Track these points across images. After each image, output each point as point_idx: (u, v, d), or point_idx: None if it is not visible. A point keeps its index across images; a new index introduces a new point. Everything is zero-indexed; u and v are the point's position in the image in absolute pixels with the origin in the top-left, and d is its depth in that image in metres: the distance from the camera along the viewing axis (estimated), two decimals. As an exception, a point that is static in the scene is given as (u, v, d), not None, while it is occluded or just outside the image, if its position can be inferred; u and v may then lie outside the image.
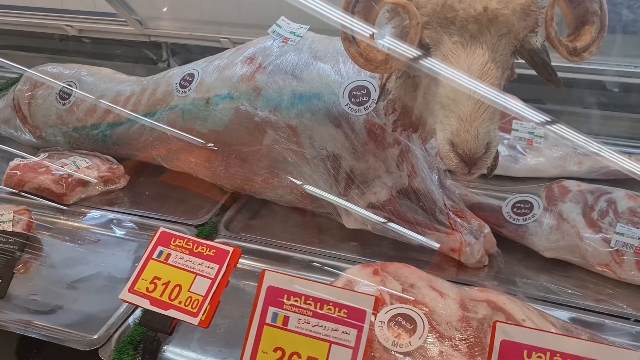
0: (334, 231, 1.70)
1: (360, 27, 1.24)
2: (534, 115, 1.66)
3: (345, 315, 1.02)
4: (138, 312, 1.38)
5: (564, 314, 1.38)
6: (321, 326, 1.02)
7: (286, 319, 1.04)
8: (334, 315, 1.02)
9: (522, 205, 1.60)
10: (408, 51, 1.17)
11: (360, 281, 1.30)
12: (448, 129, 1.14)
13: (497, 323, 0.96)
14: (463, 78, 1.11)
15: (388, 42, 1.23)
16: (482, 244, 1.56)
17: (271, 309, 1.04)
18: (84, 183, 1.85)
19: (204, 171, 1.87)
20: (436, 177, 1.65)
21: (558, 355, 0.90)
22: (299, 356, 1.00)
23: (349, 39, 1.24)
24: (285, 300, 1.04)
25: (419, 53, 1.16)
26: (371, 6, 1.25)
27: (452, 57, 1.12)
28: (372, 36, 1.22)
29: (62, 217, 1.80)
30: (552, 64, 1.22)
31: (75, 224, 1.78)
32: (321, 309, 1.03)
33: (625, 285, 1.48)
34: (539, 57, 1.23)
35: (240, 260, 1.58)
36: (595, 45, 1.15)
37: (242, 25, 2.41)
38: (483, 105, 1.10)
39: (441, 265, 1.57)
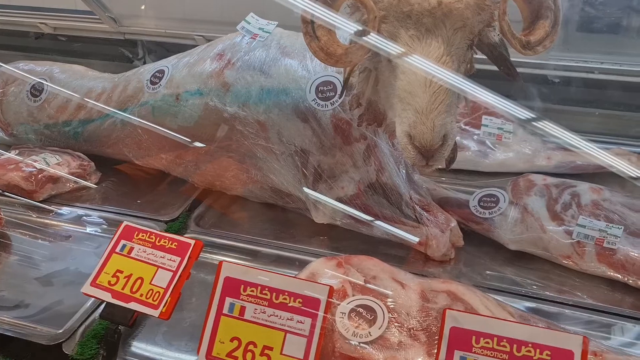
0: (304, 226, 1.71)
1: (324, 17, 1.25)
2: (501, 105, 1.68)
3: (300, 305, 1.04)
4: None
5: (525, 305, 1.40)
6: (277, 315, 1.03)
7: (243, 309, 1.05)
8: (289, 305, 1.03)
9: (488, 199, 1.63)
10: (366, 45, 1.18)
11: (324, 273, 1.31)
12: (405, 121, 1.15)
13: (447, 310, 0.97)
14: (419, 71, 1.12)
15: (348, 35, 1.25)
16: (448, 238, 1.57)
17: (228, 300, 1.05)
18: (54, 179, 1.85)
19: (175, 167, 1.88)
20: (403, 171, 1.67)
21: (505, 340, 0.91)
22: (255, 345, 1.01)
23: (310, 34, 1.25)
24: (242, 291, 1.05)
25: (377, 46, 1.18)
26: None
27: (408, 50, 1.14)
28: (331, 31, 1.24)
29: (32, 214, 1.80)
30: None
31: (45, 221, 1.78)
32: (277, 298, 1.04)
33: (587, 276, 1.50)
34: (497, 50, 1.25)
35: (209, 255, 1.61)
36: (549, 39, 1.18)
37: (217, 23, 2.41)
38: (439, 97, 1.12)
39: (409, 258, 1.59)
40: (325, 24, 1.24)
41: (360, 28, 1.19)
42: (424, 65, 1.12)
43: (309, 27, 1.26)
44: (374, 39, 1.17)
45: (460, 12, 1.10)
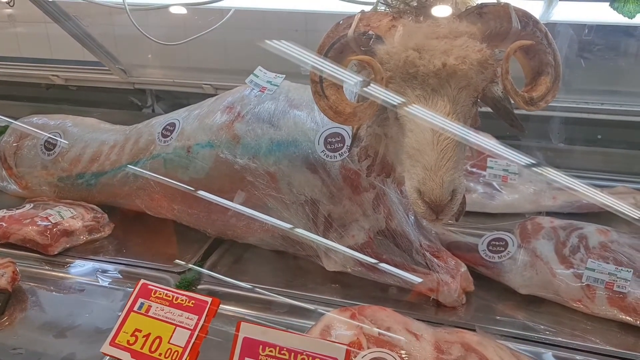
0: (316, 274, 1.73)
1: (332, 73, 1.29)
2: (506, 153, 1.73)
3: (319, 365, 1.05)
4: (121, 364, 1.39)
5: (539, 351, 1.41)
6: (295, 376, 1.05)
7: (262, 370, 1.07)
8: (307, 365, 1.05)
9: (497, 243, 1.64)
10: (374, 104, 1.22)
11: (338, 325, 1.33)
12: (415, 177, 1.18)
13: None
14: (426, 129, 1.16)
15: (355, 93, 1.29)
16: (459, 283, 1.59)
17: (247, 360, 1.07)
18: (69, 233, 1.88)
19: (186, 217, 1.91)
20: (412, 218, 1.70)
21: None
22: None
23: (319, 93, 1.30)
24: (260, 351, 1.07)
25: (385, 106, 1.22)
26: (341, 58, 1.31)
27: (415, 109, 1.17)
28: (340, 90, 1.28)
29: (47, 268, 1.82)
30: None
31: (60, 274, 1.80)
32: (295, 358, 1.06)
33: (598, 319, 1.51)
34: (501, 104, 1.29)
35: (222, 306, 1.62)
36: (550, 94, 1.21)
37: (223, 72, 2.48)
38: (447, 154, 1.15)
39: (420, 305, 1.60)
40: (334, 83, 1.29)
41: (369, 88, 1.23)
42: (432, 123, 1.16)
43: (318, 87, 1.30)
44: (381, 98, 1.21)
45: (465, 72, 1.14)
